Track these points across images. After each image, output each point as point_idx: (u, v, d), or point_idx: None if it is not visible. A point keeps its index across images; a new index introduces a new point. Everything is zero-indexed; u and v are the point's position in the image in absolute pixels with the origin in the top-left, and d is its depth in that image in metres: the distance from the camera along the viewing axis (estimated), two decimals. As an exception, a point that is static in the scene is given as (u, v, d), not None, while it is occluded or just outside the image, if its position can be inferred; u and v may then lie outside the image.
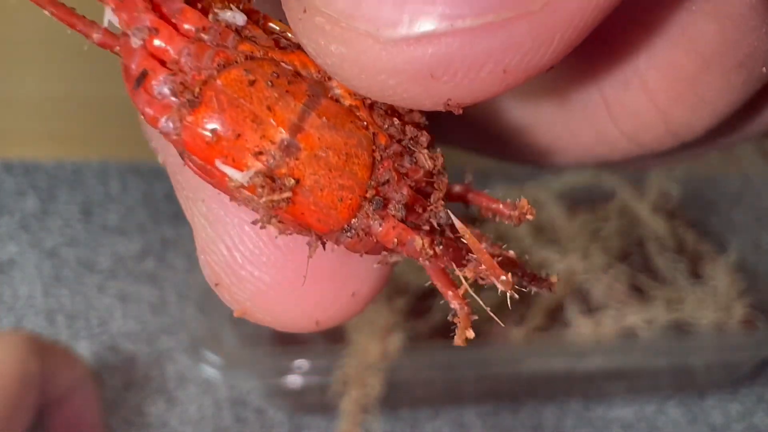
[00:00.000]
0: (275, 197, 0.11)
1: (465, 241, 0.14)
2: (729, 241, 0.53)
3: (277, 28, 0.13)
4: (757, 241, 0.53)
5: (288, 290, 0.14)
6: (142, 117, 0.13)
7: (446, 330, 0.53)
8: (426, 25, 0.11)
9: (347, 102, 0.12)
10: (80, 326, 0.52)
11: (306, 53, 0.12)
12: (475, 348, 0.41)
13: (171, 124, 0.12)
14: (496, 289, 0.19)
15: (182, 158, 0.12)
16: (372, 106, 0.13)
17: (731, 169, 0.54)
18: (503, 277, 0.14)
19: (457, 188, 0.14)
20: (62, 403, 0.40)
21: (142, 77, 0.12)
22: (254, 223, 0.12)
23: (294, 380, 0.39)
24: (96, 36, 0.14)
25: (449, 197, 0.14)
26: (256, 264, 0.13)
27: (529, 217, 0.14)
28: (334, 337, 0.49)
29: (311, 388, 0.44)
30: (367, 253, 0.13)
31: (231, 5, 0.12)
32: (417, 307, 0.50)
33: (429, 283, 0.49)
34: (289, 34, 0.13)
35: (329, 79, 0.12)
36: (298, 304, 0.14)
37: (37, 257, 0.55)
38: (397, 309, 0.44)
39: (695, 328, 0.47)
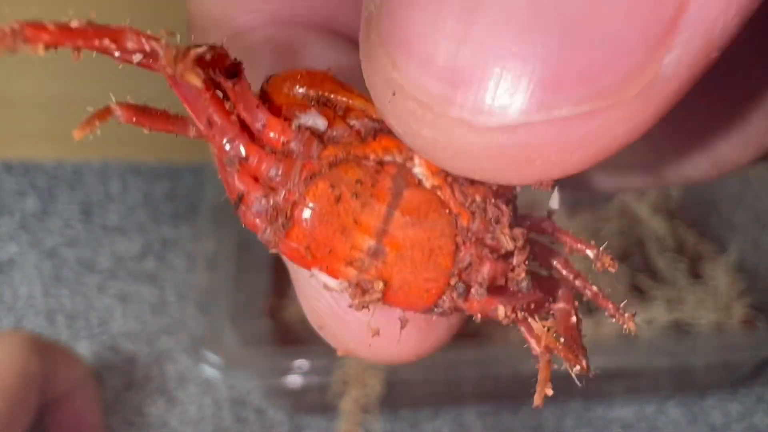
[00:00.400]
0: (366, 299, 0.12)
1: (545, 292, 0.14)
2: (729, 241, 0.53)
3: (359, 105, 0.13)
4: (757, 241, 0.53)
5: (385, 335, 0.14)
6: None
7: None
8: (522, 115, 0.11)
9: (429, 182, 0.13)
10: (80, 326, 0.52)
11: (388, 133, 0.12)
12: (476, 348, 0.41)
13: (270, 238, 0.13)
14: None
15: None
16: (454, 181, 0.13)
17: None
18: (577, 366, 0.15)
19: (543, 224, 0.15)
20: (62, 402, 0.40)
21: (239, 199, 0.13)
22: (350, 306, 0.13)
23: (294, 380, 0.39)
24: (192, 132, 0.14)
25: (535, 229, 0.14)
26: (359, 313, 0.14)
27: (611, 269, 0.15)
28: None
29: (311, 388, 0.44)
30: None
31: (310, 107, 0.13)
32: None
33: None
34: (371, 112, 0.13)
35: (411, 157, 0.13)
36: (393, 345, 0.15)
37: (37, 257, 0.55)
38: (454, 338, 0.44)
39: (695, 328, 0.47)
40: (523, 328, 0.14)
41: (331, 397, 0.37)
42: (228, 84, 0.13)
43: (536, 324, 0.13)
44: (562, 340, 0.14)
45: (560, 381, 0.51)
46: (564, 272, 0.14)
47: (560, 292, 0.14)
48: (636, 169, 0.18)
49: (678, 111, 0.13)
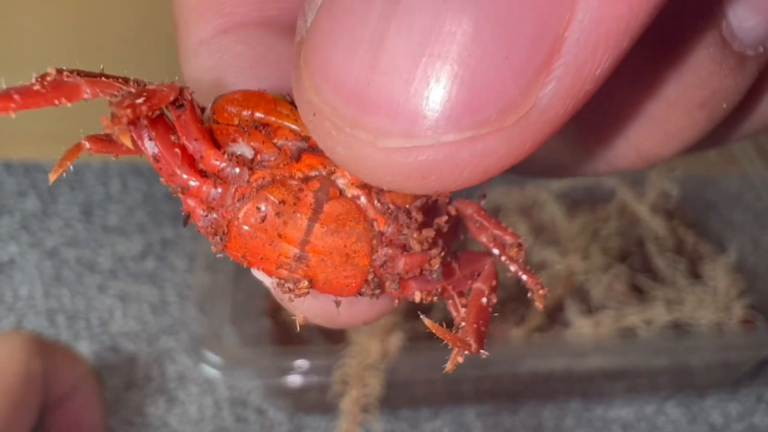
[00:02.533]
0: (295, 293, 0.15)
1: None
2: (728, 241, 0.53)
3: (289, 125, 0.15)
4: (757, 241, 0.53)
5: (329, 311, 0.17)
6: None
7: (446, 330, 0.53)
8: (416, 138, 0.13)
9: (350, 192, 0.15)
10: (81, 326, 0.52)
11: (316, 148, 0.15)
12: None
13: (214, 246, 0.15)
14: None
15: None
16: (373, 190, 0.15)
17: (730, 169, 0.54)
18: (464, 351, 0.16)
19: (469, 210, 0.16)
20: (64, 401, 0.40)
21: (187, 218, 0.15)
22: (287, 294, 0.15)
23: (294, 380, 0.39)
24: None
25: (463, 216, 0.17)
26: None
27: (518, 259, 0.17)
28: (334, 337, 0.49)
29: (311, 387, 0.45)
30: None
31: (242, 135, 0.15)
32: (417, 307, 0.50)
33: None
34: (302, 129, 0.15)
35: (334, 170, 0.15)
36: (337, 317, 0.17)
37: (37, 257, 0.55)
38: (397, 309, 0.44)
39: (695, 328, 0.47)
40: (450, 303, 0.16)
41: (331, 397, 0.37)
42: (174, 115, 0.14)
43: (426, 319, 0.16)
44: (462, 324, 0.16)
45: (560, 381, 0.51)
46: (490, 247, 0.16)
47: (484, 270, 0.16)
48: (565, 161, 0.19)
49: (600, 105, 0.15)
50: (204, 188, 0.15)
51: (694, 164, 0.57)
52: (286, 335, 0.50)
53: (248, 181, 0.14)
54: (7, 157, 0.62)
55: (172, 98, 0.14)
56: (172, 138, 0.14)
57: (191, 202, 0.15)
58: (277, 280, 0.15)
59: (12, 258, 0.55)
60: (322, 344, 0.49)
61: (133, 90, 0.14)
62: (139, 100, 0.14)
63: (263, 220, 0.14)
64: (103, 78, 0.16)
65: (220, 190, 0.15)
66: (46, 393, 0.38)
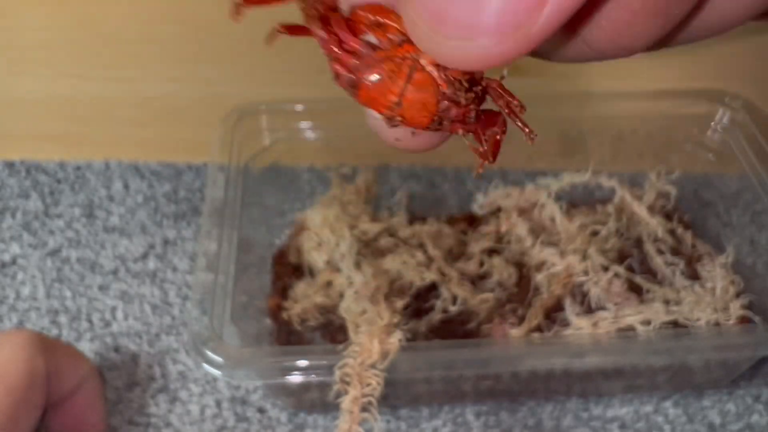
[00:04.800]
0: (393, 123, 0.22)
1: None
2: (726, 241, 0.53)
3: (397, 25, 0.22)
4: (754, 241, 0.53)
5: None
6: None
7: (446, 330, 0.54)
8: (473, 41, 0.19)
9: (428, 68, 0.22)
10: (83, 326, 0.52)
11: (410, 41, 0.21)
12: (475, 347, 0.41)
13: (350, 94, 0.23)
14: (494, 290, 0.43)
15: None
16: (441, 67, 0.22)
17: (728, 169, 0.54)
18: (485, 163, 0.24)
19: (493, 84, 0.23)
20: (67, 400, 0.40)
21: (336, 75, 0.23)
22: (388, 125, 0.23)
23: (295, 379, 0.39)
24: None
25: (489, 86, 0.23)
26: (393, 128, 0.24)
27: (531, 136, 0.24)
28: (334, 337, 0.50)
29: (312, 387, 0.45)
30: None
31: (370, 29, 0.23)
32: (417, 307, 0.50)
33: (429, 282, 0.50)
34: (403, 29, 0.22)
35: (420, 55, 0.22)
36: (413, 141, 0.24)
37: (39, 258, 0.56)
38: (397, 309, 0.45)
39: (693, 328, 0.47)
40: (478, 137, 0.23)
41: (332, 396, 0.38)
42: (331, 14, 0.23)
43: (465, 139, 0.23)
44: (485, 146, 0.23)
45: (559, 380, 0.51)
46: (503, 107, 0.23)
47: (498, 120, 0.23)
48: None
49: None
50: (347, 59, 0.22)
51: (692, 165, 0.57)
52: (286, 335, 0.50)
53: (373, 57, 0.22)
54: (8, 157, 0.62)
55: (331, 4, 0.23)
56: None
57: (338, 68, 0.22)
58: (382, 116, 0.23)
59: (14, 258, 0.56)
60: (322, 344, 0.50)
61: None
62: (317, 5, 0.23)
63: (380, 80, 0.22)
64: None
65: (357, 61, 0.22)
66: (49, 392, 0.38)
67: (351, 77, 0.23)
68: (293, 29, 0.25)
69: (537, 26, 0.18)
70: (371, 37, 0.23)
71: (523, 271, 0.53)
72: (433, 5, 0.19)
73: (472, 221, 0.56)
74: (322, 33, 0.22)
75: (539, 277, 0.50)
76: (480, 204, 0.53)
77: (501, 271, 0.51)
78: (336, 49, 0.22)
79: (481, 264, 0.52)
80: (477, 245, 0.53)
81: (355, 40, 0.22)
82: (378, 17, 0.23)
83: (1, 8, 0.53)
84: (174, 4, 0.53)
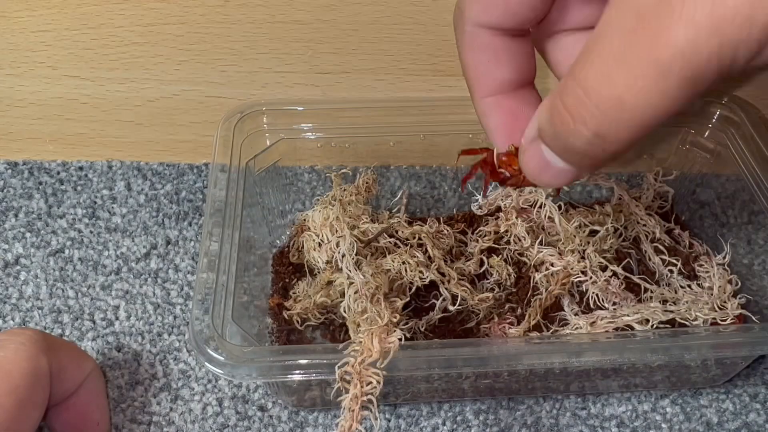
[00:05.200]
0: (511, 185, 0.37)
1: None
2: (723, 241, 0.54)
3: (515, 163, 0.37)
4: (751, 241, 0.53)
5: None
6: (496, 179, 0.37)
7: (445, 329, 0.54)
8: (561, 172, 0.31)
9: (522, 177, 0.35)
10: (85, 325, 0.52)
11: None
12: (474, 346, 0.42)
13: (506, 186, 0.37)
14: (494, 289, 0.51)
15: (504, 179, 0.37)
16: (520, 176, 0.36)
17: (725, 170, 0.54)
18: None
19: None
20: (71, 398, 0.41)
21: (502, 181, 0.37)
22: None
23: (295, 378, 0.39)
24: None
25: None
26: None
27: None
28: (334, 336, 0.50)
29: (312, 385, 0.45)
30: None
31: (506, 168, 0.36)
32: (417, 306, 0.50)
33: (428, 282, 0.50)
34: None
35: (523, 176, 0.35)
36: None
37: (42, 258, 0.56)
38: (397, 308, 0.45)
39: (690, 327, 0.47)
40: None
41: (332, 395, 0.38)
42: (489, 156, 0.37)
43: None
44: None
45: (557, 379, 0.51)
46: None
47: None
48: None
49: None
50: (495, 176, 0.37)
51: (689, 165, 0.58)
52: (287, 334, 0.50)
53: (511, 176, 0.36)
54: (11, 158, 0.62)
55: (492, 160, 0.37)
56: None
57: (493, 179, 0.37)
58: (507, 184, 0.37)
59: (17, 258, 0.56)
60: (322, 343, 0.50)
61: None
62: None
63: (521, 181, 0.35)
64: None
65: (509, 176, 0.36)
66: (52, 390, 0.38)
67: (500, 181, 0.37)
68: (469, 151, 0.39)
69: (569, 177, 0.30)
70: (506, 172, 0.36)
71: (521, 270, 0.53)
72: (529, 168, 0.31)
73: (472, 221, 0.56)
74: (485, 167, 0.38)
75: (538, 277, 0.50)
76: (479, 204, 0.54)
77: (500, 271, 0.52)
78: (492, 172, 0.37)
79: (481, 264, 0.52)
80: (476, 245, 0.53)
81: (499, 174, 0.37)
82: (510, 161, 0.35)
83: (2, 9, 0.53)
84: (175, 5, 0.53)
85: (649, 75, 0.23)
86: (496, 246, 0.53)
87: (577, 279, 0.49)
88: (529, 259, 0.51)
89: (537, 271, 0.51)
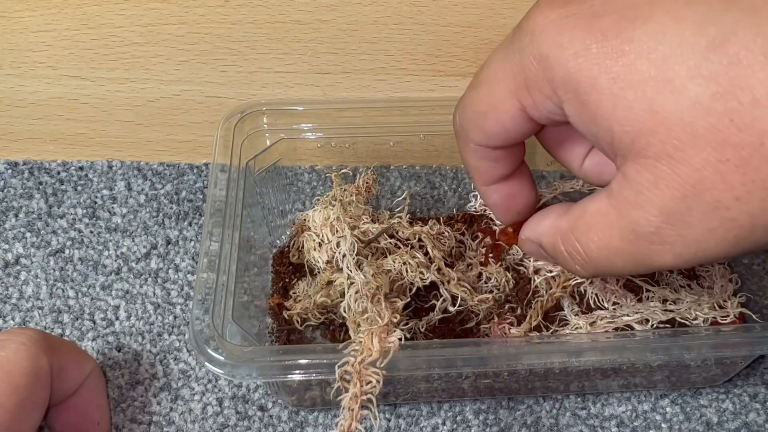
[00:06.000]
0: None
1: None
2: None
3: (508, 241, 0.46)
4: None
5: None
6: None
7: (445, 329, 0.54)
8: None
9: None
10: (86, 325, 0.52)
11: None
12: (474, 346, 0.42)
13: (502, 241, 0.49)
14: (494, 290, 0.52)
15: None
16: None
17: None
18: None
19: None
20: (71, 397, 0.41)
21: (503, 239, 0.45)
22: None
23: (296, 378, 0.39)
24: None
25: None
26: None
27: None
28: (334, 336, 0.50)
29: (312, 385, 0.45)
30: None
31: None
32: (417, 307, 0.50)
33: (429, 283, 0.51)
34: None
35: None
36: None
37: (42, 258, 0.56)
38: (398, 309, 0.45)
39: (690, 327, 0.47)
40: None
41: (332, 394, 0.38)
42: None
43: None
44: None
45: (557, 379, 0.51)
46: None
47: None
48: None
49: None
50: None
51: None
52: (287, 334, 0.50)
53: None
54: (11, 158, 0.63)
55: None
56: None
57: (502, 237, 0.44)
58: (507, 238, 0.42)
59: (17, 258, 0.56)
60: (323, 343, 0.50)
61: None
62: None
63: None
64: None
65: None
66: (53, 390, 0.38)
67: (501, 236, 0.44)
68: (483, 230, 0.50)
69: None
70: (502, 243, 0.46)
71: (520, 272, 0.53)
72: (527, 252, 0.39)
73: (472, 221, 0.57)
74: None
75: (538, 281, 0.50)
76: (475, 207, 0.54)
77: (499, 278, 0.52)
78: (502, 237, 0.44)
79: (480, 274, 0.52)
80: (475, 255, 0.53)
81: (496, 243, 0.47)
82: (507, 235, 0.43)
83: (2, 9, 0.53)
84: (175, 5, 0.53)
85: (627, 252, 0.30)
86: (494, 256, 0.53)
87: (576, 281, 0.49)
88: (526, 268, 0.52)
89: (536, 274, 0.51)
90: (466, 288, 0.49)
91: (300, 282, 0.52)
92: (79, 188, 0.61)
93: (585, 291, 0.49)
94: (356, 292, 0.43)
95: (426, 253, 0.50)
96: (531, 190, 0.38)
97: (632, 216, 0.28)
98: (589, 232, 0.30)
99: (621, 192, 0.28)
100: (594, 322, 0.48)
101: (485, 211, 0.56)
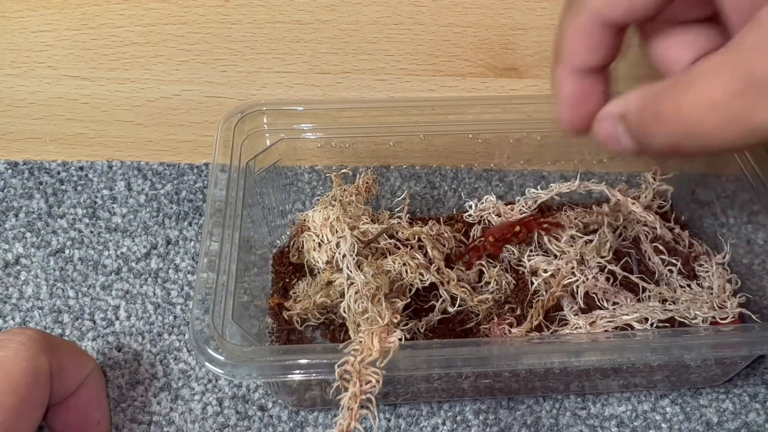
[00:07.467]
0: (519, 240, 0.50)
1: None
2: (723, 240, 0.54)
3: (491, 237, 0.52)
4: (751, 241, 0.53)
5: None
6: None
7: (445, 329, 0.54)
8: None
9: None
10: (86, 325, 0.52)
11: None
12: (473, 346, 0.42)
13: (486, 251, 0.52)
14: (492, 291, 0.52)
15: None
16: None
17: (726, 170, 0.54)
18: None
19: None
20: (71, 397, 0.41)
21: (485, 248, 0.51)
22: None
23: (295, 378, 0.39)
24: None
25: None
26: None
27: None
28: (334, 336, 0.50)
29: (312, 385, 0.45)
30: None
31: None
32: (416, 308, 0.50)
33: (428, 283, 0.51)
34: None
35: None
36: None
37: (42, 258, 0.56)
38: (398, 309, 0.45)
39: (690, 327, 0.47)
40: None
41: (332, 394, 0.38)
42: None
43: None
44: None
45: (557, 379, 0.51)
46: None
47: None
48: None
49: None
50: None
51: (689, 165, 0.58)
52: (287, 334, 0.50)
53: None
54: (12, 158, 0.63)
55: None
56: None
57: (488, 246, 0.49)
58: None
59: (17, 258, 0.56)
60: (322, 343, 0.50)
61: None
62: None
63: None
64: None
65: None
66: (53, 390, 0.38)
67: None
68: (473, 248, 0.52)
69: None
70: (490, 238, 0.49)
71: (519, 273, 0.53)
72: (599, 135, 0.34)
73: (471, 222, 0.57)
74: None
75: (537, 282, 0.50)
76: (472, 215, 0.55)
77: (498, 280, 0.52)
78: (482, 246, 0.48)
79: (480, 274, 0.52)
80: (474, 257, 0.53)
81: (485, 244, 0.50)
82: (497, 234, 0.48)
83: (2, 9, 0.53)
84: (175, 5, 0.53)
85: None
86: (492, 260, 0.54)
87: (576, 279, 0.49)
88: (525, 266, 0.52)
89: (535, 275, 0.51)
90: (466, 288, 0.49)
91: (300, 282, 0.52)
92: (79, 188, 0.61)
93: (584, 290, 0.49)
94: (356, 293, 0.43)
95: (426, 254, 0.50)
96: (605, 96, 0.35)
97: (750, 60, 0.26)
98: (689, 88, 0.27)
99: (743, 39, 0.26)
100: (594, 321, 0.48)
101: (481, 218, 0.56)
